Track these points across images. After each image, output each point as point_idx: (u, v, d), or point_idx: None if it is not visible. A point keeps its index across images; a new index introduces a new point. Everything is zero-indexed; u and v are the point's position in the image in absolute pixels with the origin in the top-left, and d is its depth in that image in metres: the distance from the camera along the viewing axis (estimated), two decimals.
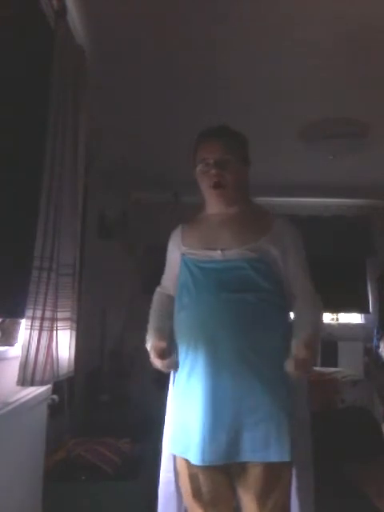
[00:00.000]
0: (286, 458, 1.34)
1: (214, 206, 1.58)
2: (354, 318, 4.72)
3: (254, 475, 1.37)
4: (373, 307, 4.53)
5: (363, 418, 3.49)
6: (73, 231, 1.70)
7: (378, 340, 4.18)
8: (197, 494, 1.43)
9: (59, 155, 1.59)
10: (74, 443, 2.31)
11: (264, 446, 1.34)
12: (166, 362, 1.54)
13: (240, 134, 1.58)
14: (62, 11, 1.66)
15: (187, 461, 1.43)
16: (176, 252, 1.63)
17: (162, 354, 1.53)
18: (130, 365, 3.82)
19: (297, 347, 1.40)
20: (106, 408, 3.26)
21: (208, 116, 2.72)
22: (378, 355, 4.12)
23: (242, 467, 1.39)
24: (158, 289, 1.76)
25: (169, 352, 1.54)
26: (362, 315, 4.63)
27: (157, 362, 1.56)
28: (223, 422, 1.37)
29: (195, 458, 1.37)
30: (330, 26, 1.91)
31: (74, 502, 2.02)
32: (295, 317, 1.51)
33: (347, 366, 4.10)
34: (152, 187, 4.15)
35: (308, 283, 1.54)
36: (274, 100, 2.57)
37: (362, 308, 4.59)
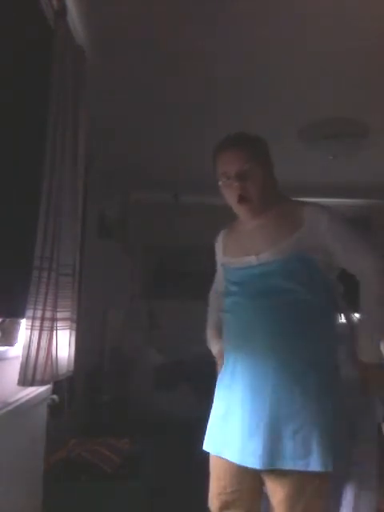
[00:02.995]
0: (325, 468, 1.28)
1: (244, 218, 1.55)
2: (354, 318, 4.72)
3: (284, 482, 1.33)
4: None
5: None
6: (73, 231, 1.70)
7: None
8: (222, 492, 1.44)
9: (59, 155, 1.59)
10: (74, 443, 2.31)
11: (303, 454, 1.29)
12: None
13: (257, 138, 1.53)
14: (61, 11, 1.66)
15: (219, 459, 1.44)
16: (219, 259, 1.66)
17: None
18: (129, 365, 3.82)
19: (362, 363, 1.39)
20: (106, 408, 3.27)
21: (208, 116, 2.74)
22: None
23: (276, 473, 1.34)
24: (212, 292, 1.77)
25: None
26: None
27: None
28: (261, 426, 1.34)
29: (232, 456, 1.38)
30: (330, 26, 1.91)
31: (74, 502, 2.02)
32: (360, 302, 1.41)
33: (347, 366, 4.09)
34: (152, 187, 4.16)
35: (371, 255, 1.40)
36: (273, 100, 2.57)
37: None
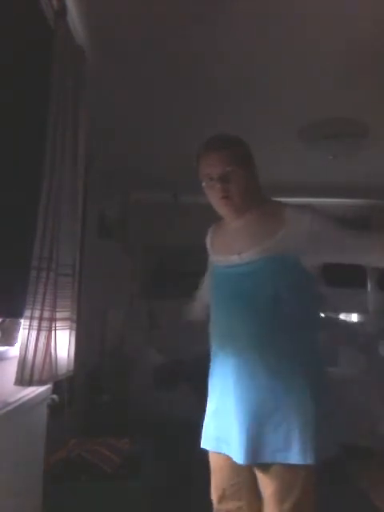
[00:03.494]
0: (304, 461, 1.32)
1: (225, 216, 1.59)
2: (354, 318, 4.72)
3: (271, 476, 1.37)
4: (373, 307, 4.53)
5: None
6: (72, 231, 1.70)
7: (378, 340, 4.18)
8: (219, 486, 1.50)
9: (59, 155, 1.59)
10: (74, 443, 2.31)
11: (283, 448, 1.34)
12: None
13: (238, 139, 1.56)
14: (62, 11, 1.66)
15: (214, 454, 1.50)
16: (209, 255, 1.70)
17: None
18: (129, 365, 3.82)
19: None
20: (106, 408, 3.27)
21: (208, 116, 2.74)
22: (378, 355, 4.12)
23: (263, 467, 1.39)
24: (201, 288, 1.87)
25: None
26: (362, 315, 4.63)
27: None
28: (246, 422, 1.39)
29: (225, 451, 1.44)
30: (330, 26, 1.91)
31: (74, 502, 2.02)
32: (371, 251, 1.45)
33: (347, 366, 4.10)
34: (152, 187, 4.16)
35: (359, 235, 1.47)
36: (274, 100, 2.57)
37: (361, 308, 4.59)
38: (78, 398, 2.96)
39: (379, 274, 4.51)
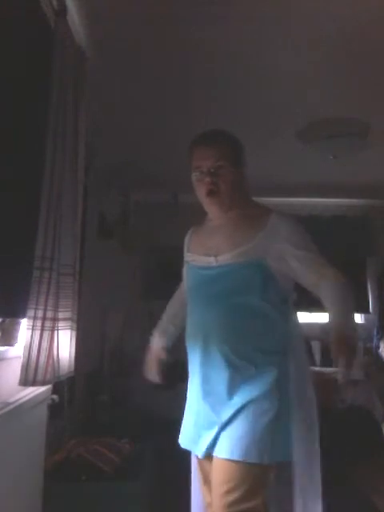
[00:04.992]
0: (260, 461, 1.32)
1: (211, 212, 1.60)
2: (354, 318, 4.72)
3: (223, 469, 1.37)
4: (373, 307, 4.53)
5: (363, 417, 3.49)
6: (73, 231, 1.70)
7: (378, 340, 4.18)
8: (206, 481, 1.50)
9: (59, 155, 1.59)
10: (74, 443, 2.31)
11: (240, 445, 1.34)
12: (153, 370, 1.68)
13: (232, 137, 1.56)
14: (62, 11, 1.66)
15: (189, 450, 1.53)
16: (184, 256, 1.68)
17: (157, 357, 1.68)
18: (129, 365, 3.82)
19: (332, 333, 1.35)
20: (106, 408, 3.27)
21: (208, 116, 2.74)
22: (377, 355, 4.12)
23: (217, 460, 1.40)
24: (180, 287, 1.79)
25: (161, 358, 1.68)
26: (362, 315, 4.63)
27: (148, 364, 1.69)
28: (209, 419, 1.42)
29: (196, 450, 1.47)
30: (330, 26, 1.91)
31: (74, 501, 2.02)
32: (324, 302, 1.42)
33: None
34: (152, 187, 4.16)
35: (321, 265, 1.45)
36: (274, 100, 2.57)
37: (361, 308, 4.58)
38: (77, 398, 2.96)
39: (379, 273, 4.51)
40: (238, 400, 1.39)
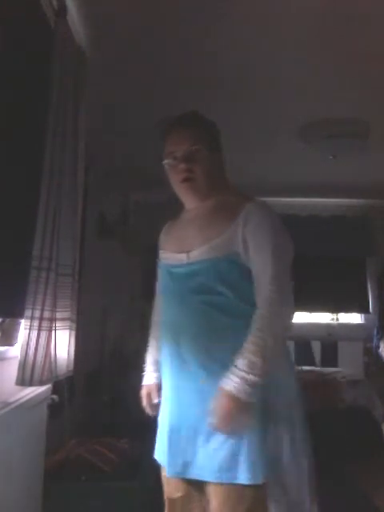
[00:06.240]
0: (254, 481, 1.20)
1: (187, 201, 1.47)
2: (354, 318, 4.72)
3: (215, 493, 1.26)
4: (373, 307, 4.54)
5: (363, 418, 3.49)
6: (72, 231, 1.70)
7: (378, 340, 4.19)
8: (171, 498, 1.40)
9: (59, 155, 1.59)
10: (74, 443, 2.31)
11: (228, 467, 1.22)
12: (147, 405, 1.52)
13: (207, 119, 1.46)
14: (62, 11, 1.66)
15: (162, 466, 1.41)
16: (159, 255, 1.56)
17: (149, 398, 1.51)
18: (129, 365, 3.82)
19: (218, 391, 1.20)
20: (106, 408, 3.26)
21: (208, 115, 2.73)
22: (378, 355, 4.12)
23: (203, 484, 1.29)
24: (156, 299, 1.60)
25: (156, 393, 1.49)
26: (362, 315, 4.64)
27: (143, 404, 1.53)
28: (182, 435, 1.30)
29: (166, 467, 1.35)
30: (330, 26, 1.91)
31: (74, 501, 2.02)
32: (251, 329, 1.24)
33: (347, 366, 4.10)
34: (152, 187, 4.15)
35: (269, 286, 1.24)
36: (273, 100, 2.57)
37: (361, 308, 4.59)
38: (77, 397, 2.96)
39: (379, 273, 4.51)
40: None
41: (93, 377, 3.45)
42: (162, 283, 1.47)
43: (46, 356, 1.49)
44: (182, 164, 1.38)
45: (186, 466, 1.28)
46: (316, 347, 4.33)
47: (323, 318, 4.69)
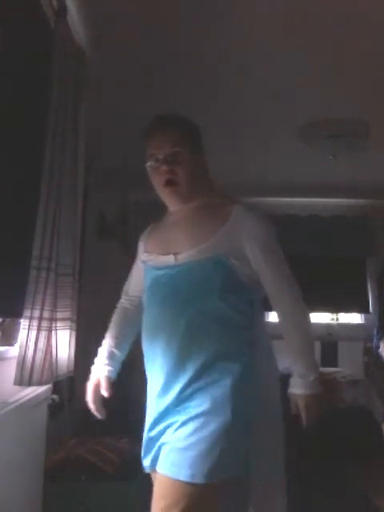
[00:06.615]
0: (204, 480, 1.18)
1: (170, 204, 1.48)
2: (354, 318, 4.72)
3: (161, 483, 1.25)
4: (373, 307, 4.53)
5: (363, 418, 3.49)
6: (72, 231, 1.70)
7: (378, 340, 4.18)
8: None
9: (59, 155, 1.59)
10: (74, 443, 2.31)
11: (183, 463, 1.21)
12: (93, 401, 1.50)
13: (189, 121, 1.44)
14: (62, 11, 1.66)
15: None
16: (140, 256, 1.57)
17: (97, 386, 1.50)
18: (130, 365, 3.82)
19: (292, 391, 1.32)
20: (106, 408, 3.26)
21: (208, 115, 2.74)
22: (377, 355, 4.12)
23: (157, 475, 1.29)
24: (121, 300, 1.64)
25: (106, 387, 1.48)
26: (362, 315, 4.63)
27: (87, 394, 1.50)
28: (155, 433, 1.33)
29: (145, 464, 1.38)
30: (330, 25, 1.91)
31: (74, 502, 2.02)
32: (283, 335, 1.35)
33: (347, 366, 4.10)
34: (152, 187, 4.15)
35: (283, 289, 1.35)
36: (273, 100, 2.57)
37: (362, 308, 4.59)
38: (77, 398, 2.96)
39: (379, 273, 4.51)
40: (187, 411, 1.26)
41: None
42: (146, 285, 1.45)
43: (45, 356, 1.49)
44: (164, 166, 1.37)
45: (155, 459, 1.31)
46: (316, 347, 4.32)
47: (323, 318, 4.69)
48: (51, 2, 1.71)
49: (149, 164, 1.41)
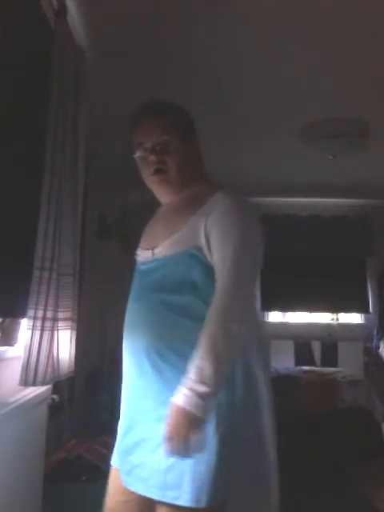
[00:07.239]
0: (197, 505, 1.07)
1: (160, 195, 1.37)
2: (354, 318, 4.72)
3: (160, 509, 1.15)
4: (373, 307, 4.53)
5: (363, 418, 3.49)
6: (73, 231, 1.70)
7: (378, 340, 4.19)
8: (107, 504, 1.32)
9: (59, 155, 1.59)
10: (74, 443, 2.31)
11: (174, 486, 1.10)
12: None
13: (179, 107, 1.36)
14: (62, 11, 1.66)
15: (115, 472, 1.31)
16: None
17: None
18: None
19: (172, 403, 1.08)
20: (106, 408, 3.26)
21: (208, 115, 2.74)
22: (377, 355, 4.12)
23: (154, 501, 1.16)
24: None
25: None
26: (362, 315, 4.63)
27: None
28: (128, 443, 1.22)
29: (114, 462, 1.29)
30: (330, 25, 1.91)
31: (74, 502, 2.02)
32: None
33: (347, 366, 4.10)
34: None
35: (226, 278, 1.13)
36: (274, 100, 2.57)
37: (362, 308, 4.59)
38: (77, 397, 2.96)
39: (379, 273, 4.51)
40: (164, 421, 1.08)
41: (93, 377, 3.45)
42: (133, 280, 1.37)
43: (48, 356, 1.50)
44: (153, 155, 1.28)
45: (132, 471, 1.19)
46: (316, 347, 4.33)
47: (323, 318, 4.69)
48: (51, 2, 1.71)
49: (137, 154, 1.32)
